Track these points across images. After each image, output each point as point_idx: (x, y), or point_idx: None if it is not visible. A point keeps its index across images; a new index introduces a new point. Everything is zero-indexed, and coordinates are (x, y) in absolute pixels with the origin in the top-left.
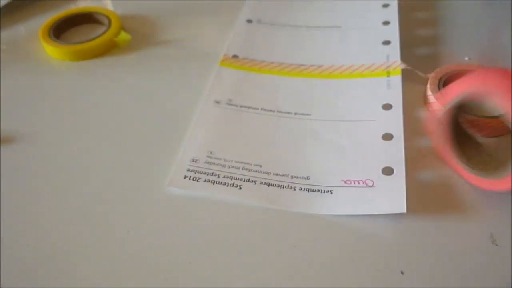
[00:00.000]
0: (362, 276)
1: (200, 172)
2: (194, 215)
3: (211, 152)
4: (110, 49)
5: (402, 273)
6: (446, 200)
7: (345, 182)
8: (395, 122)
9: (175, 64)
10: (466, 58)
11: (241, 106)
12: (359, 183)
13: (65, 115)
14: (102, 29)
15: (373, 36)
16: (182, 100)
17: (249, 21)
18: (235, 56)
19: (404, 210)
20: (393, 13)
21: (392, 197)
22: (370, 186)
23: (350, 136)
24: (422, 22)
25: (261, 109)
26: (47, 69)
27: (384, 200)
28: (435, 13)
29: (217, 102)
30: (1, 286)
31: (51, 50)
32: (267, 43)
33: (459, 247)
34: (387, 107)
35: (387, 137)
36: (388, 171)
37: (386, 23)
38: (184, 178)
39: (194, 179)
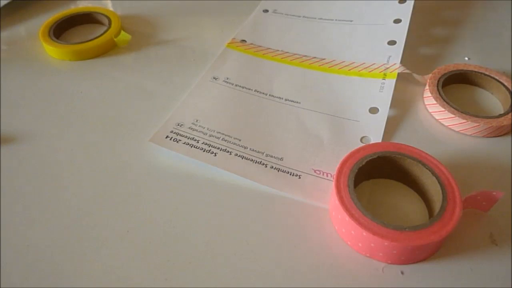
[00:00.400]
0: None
1: (181, 135)
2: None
3: (196, 120)
4: (110, 49)
5: (402, 273)
6: None
7: (315, 172)
8: (377, 127)
9: (175, 64)
10: (466, 58)
11: (236, 85)
12: (327, 175)
13: (65, 115)
14: (102, 29)
15: (381, 34)
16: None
17: (265, 10)
18: (243, 41)
19: None
20: (407, 10)
21: None
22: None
23: (331, 131)
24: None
25: (255, 90)
26: (47, 69)
27: None
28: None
29: (215, 78)
30: (1, 286)
31: (51, 50)
32: (277, 32)
33: (459, 247)
34: (374, 111)
35: (366, 140)
36: None
37: (397, 21)
38: (166, 137)
39: (175, 140)
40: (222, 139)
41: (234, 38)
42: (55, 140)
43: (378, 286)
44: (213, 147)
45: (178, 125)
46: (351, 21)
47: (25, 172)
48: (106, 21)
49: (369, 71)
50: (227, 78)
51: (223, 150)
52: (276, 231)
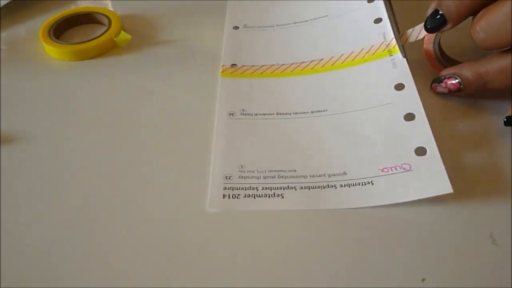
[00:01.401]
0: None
1: (237, 189)
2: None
3: (242, 166)
4: (110, 49)
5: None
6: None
7: (382, 171)
8: (412, 100)
9: (175, 64)
10: (466, 58)
11: (256, 114)
12: (396, 169)
13: (65, 115)
14: (102, 29)
15: (363, 17)
16: (183, 100)
17: (236, 27)
18: (233, 65)
19: (451, 190)
20: None
21: (433, 178)
22: (408, 170)
23: (372, 124)
24: None
25: (277, 113)
26: (47, 69)
27: (427, 183)
28: None
29: (231, 114)
30: (1, 286)
31: (51, 50)
32: (261, 46)
33: (458, 247)
34: (399, 87)
35: (409, 117)
36: (421, 151)
37: (370, 0)
38: (223, 197)
39: (234, 196)
40: (278, 177)
41: (223, 65)
42: (55, 140)
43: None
44: (275, 188)
45: (227, 178)
46: (326, 16)
47: (25, 172)
48: (106, 21)
49: (372, 54)
50: (243, 110)
51: (286, 188)
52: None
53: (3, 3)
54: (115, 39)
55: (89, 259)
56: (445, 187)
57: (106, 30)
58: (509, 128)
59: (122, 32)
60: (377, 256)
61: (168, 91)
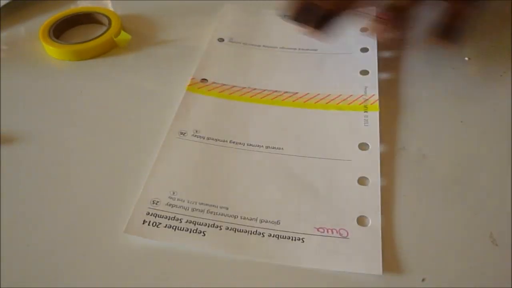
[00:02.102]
0: None
1: (160, 216)
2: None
3: (173, 193)
4: (110, 49)
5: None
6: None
7: (318, 230)
8: (371, 165)
9: (175, 64)
10: (466, 59)
11: (208, 138)
12: (332, 232)
13: (65, 115)
14: (102, 29)
15: (351, 64)
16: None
17: (221, 39)
18: (203, 80)
19: (380, 272)
20: (372, 39)
21: (367, 254)
22: (344, 237)
23: (324, 177)
24: None
25: (230, 141)
26: (47, 69)
27: (359, 257)
28: None
29: (183, 133)
30: (1, 286)
31: (51, 50)
32: (239, 65)
33: (458, 247)
34: (363, 147)
35: (363, 181)
36: (363, 221)
37: (364, 49)
38: (143, 223)
39: (154, 224)
40: (207, 212)
41: (193, 78)
42: (54, 140)
43: None
44: (200, 224)
45: (153, 203)
46: (315, 50)
47: (25, 172)
48: (106, 21)
49: (348, 104)
50: (196, 132)
51: (211, 226)
52: None
53: (3, 3)
54: (115, 39)
55: (89, 259)
56: (375, 267)
57: (106, 30)
58: (505, 135)
59: (122, 32)
60: None
61: (168, 91)
